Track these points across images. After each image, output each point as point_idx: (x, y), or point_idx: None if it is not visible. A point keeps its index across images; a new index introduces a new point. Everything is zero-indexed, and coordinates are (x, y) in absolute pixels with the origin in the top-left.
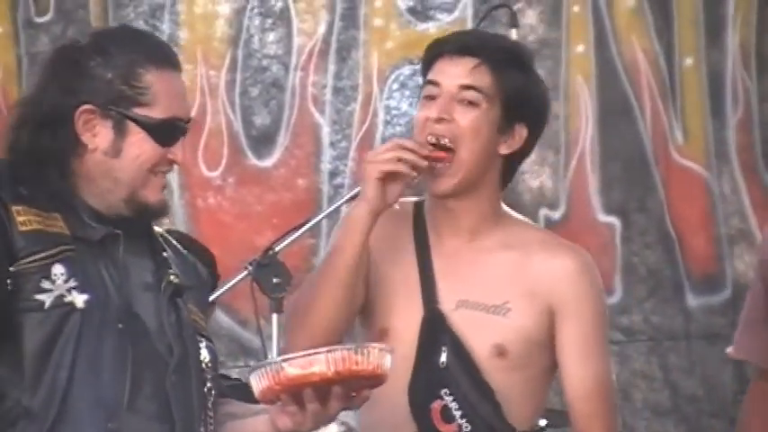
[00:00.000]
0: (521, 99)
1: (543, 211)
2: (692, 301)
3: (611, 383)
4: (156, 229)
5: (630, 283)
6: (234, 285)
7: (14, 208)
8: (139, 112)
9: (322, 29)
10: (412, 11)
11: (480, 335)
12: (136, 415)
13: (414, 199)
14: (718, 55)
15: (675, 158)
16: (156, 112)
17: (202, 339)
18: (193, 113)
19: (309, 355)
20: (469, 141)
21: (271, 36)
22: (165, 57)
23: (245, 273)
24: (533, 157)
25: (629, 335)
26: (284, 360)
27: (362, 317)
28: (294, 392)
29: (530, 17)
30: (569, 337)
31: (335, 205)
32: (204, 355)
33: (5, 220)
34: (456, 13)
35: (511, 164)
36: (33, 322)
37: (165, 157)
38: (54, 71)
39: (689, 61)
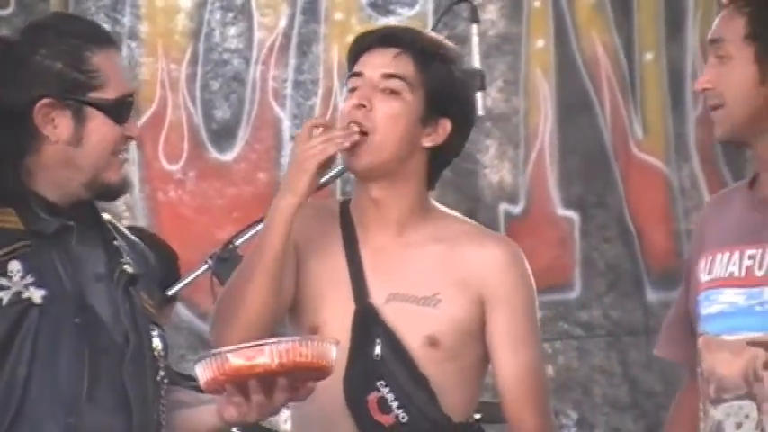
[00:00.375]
0: (444, 92)
1: (503, 206)
2: (652, 295)
3: (542, 372)
4: (105, 216)
5: (590, 278)
6: (194, 279)
7: None
8: (95, 95)
9: (283, 23)
10: (373, 5)
11: (412, 326)
12: (94, 407)
13: (339, 199)
14: (678, 50)
15: (635, 153)
16: (109, 93)
17: (155, 327)
18: (154, 107)
19: (254, 346)
20: (386, 127)
21: (232, 30)
22: (103, 36)
23: (206, 267)
24: (493, 151)
25: (589, 330)
26: (228, 351)
27: (292, 315)
28: (239, 383)
29: (490, 12)
30: (499, 326)
31: None
32: (156, 343)
33: None
34: (417, 8)
35: (438, 159)
36: None
37: (122, 135)
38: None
39: (649, 56)
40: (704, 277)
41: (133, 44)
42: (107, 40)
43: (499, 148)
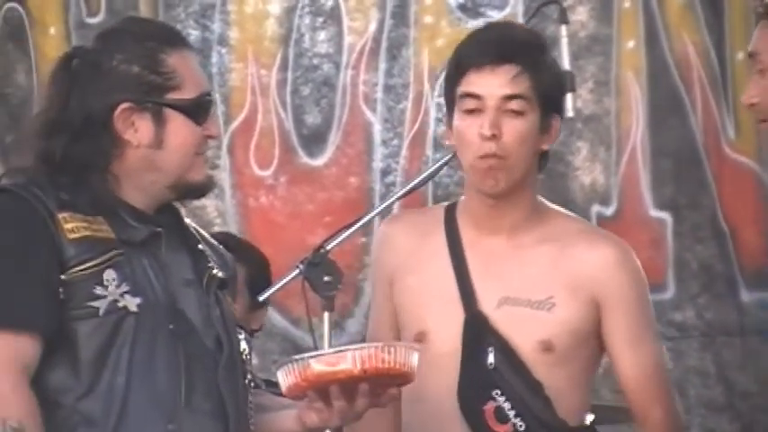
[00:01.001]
0: (554, 94)
1: (595, 208)
2: (746, 296)
3: (664, 365)
4: (187, 221)
5: (683, 279)
6: (285, 284)
7: (60, 215)
8: (172, 97)
9: (372, 27)
10: (462, 8)
11: (525, 332)
12: (193, 413)
13: (444, 204)
14: None
15: (727, 153)
16: (186, 93)
17: (240, 331)
18: (245, 113)
19: (337, 352)
20: (518, 150)
21: (321, 35)
22: (176, 37)
23: (297, 272)
24: (584, 153)
25: (683, 330)
26: (311, 357)
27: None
28: (320, 389)
29: (580, 13)
30: (617, 325)
31: (387, 203)
32: (243, 346)
33: (53, 230)
34: (507, 10)
35: (545, 155)
36: (88, 329)
37: (202, 135)
38: (73, 78)
39: (740, 55)
40: None
41: (223, 50)
42: (180, 41)
43: (591, 149)
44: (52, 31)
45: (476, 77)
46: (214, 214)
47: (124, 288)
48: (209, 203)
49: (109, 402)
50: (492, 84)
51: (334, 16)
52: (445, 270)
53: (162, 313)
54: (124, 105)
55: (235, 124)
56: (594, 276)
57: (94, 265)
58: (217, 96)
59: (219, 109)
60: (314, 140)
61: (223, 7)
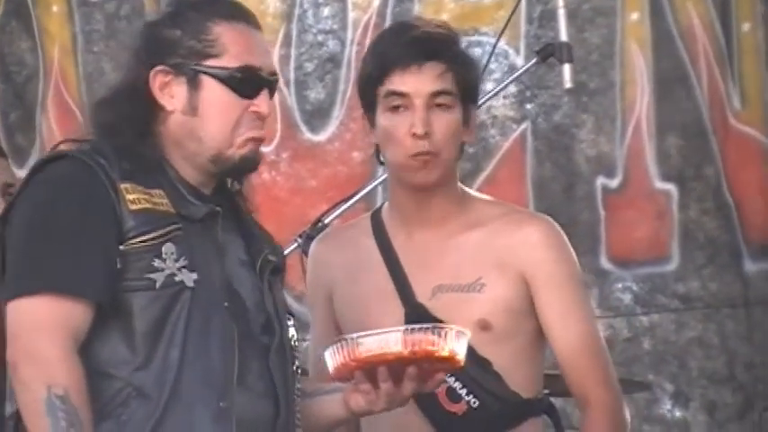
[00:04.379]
0: (473, 87)
1: (600, 180)
2: (750, 267)
3: (598, 342)
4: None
5: (688, 251)
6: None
7: (122, 186)
8: (210, 63)
9: (377, 2)
10: None
11: (462, 314)
12: (245, 393)
13: (367, 213)
14: None
15: (733, 124)
16: (226, 62)
17: (290, 317)
18: None
19: (386, 332)
20: (448, 144)
21: (325, 11)
22: (237, 11)
23: (295, 245)
24: (589, 125)
25: (687, 302)
26: (361, 336)
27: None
28: (368, 370)
29: None
30: (546, 302)
31: (385, 176)
32: (292, 333)
33: (114, 199)
34: None
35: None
36: (144, 301)
37: (246, 109)
38: (132, 44)
39: (746, 27)
40: None
41: None
42: (239, 16)
43: (596, 122)
44: (55, 8)
45: (402, 76)
46: None
47: (182, 263)
48: None
49: (162, 376)
50: (419, 82)
51: None
52: (380, 272)
53: (218, 291)
54: (159, 68)
55: None
56: (521, 254)
57: (154, 238)
58: None
59: None
60: (317, 116)
61: None
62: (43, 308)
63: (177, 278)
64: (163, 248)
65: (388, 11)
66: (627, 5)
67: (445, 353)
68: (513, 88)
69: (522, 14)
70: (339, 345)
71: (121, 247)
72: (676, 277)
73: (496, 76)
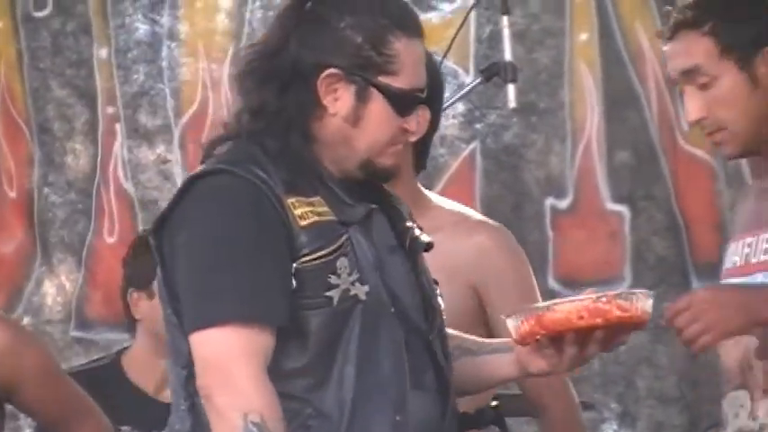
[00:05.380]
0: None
1: (550, 201)
2: (699, 287)
3: None
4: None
5: (639, 271)
6: None
7: (289, 201)
8: (384, 80)
9: None
10: (414, 1)
11: None
12: (419, 394)
13: None
14: None
15: (682, 146)
16: (399, 82)
17: (436, 286)
18: (195, 107)
19: (578, 301)
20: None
21: None
22: (413, 24)
23: None
24: (539, 146)
25: None
26: (551, 304)
27: None
28: (556, 337)
29: (533, 6)
30: (500, 308)
31: None
32: (440, 302)
33: (284, 216)
34: (458, 2)
35: (423, 148)
36: (322, 319)
37: (401, 127)
38: (296, 23)
39: None
40: (724, 267)
41: (173, 45)
42: (415, 30)
43: (545, 142)
44: (0, 24)
45: None
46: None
47: (355, 276)
48: (160, 197)
49: (340, 394)
50: None
51: None
52: None
53: (384, 298)
54: (332, 70)
55: (185, 119)
56: (471, 262)
57: (328, 254)
58: (167, 91)
59: (170, 103)
60: None
61: (172, 1)
62: (233, 337)
63: (351, 293)
64: (337, 263)
65: None
66: (576, 26)
67: (636, 317)
68: (462, 108)
69: (471, 35)
70: (527, 312)
71: (295, 265)
72: None
73: (446, 95)
